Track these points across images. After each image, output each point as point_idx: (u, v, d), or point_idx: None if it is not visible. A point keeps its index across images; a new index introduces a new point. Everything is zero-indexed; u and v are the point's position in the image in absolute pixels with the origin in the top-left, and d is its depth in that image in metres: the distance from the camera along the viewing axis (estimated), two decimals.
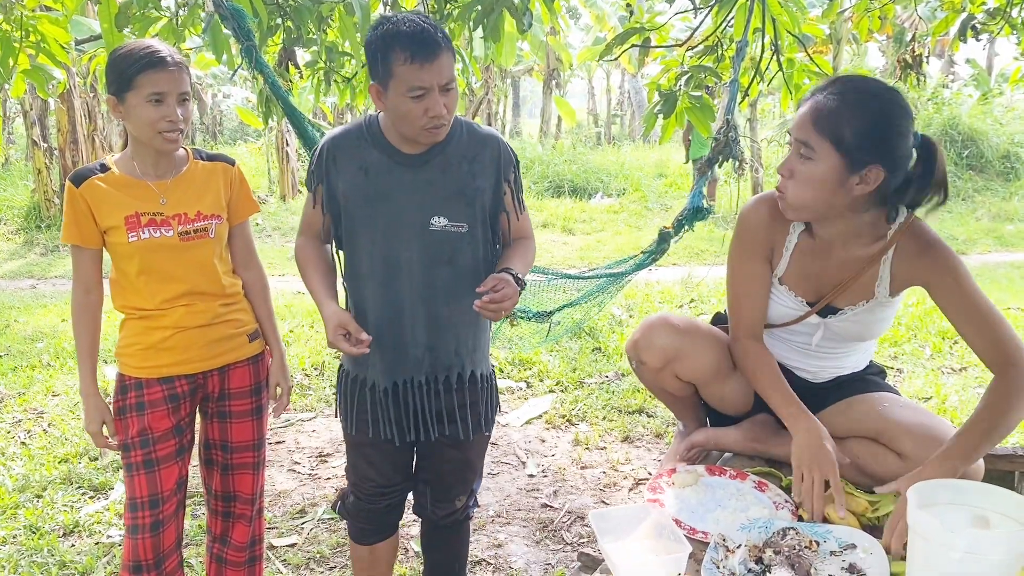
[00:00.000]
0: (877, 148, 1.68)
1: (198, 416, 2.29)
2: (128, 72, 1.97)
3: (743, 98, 3.74)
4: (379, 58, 1.84)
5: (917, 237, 1.81)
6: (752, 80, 3.75)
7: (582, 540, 3.12)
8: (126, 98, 1.99)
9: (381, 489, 2.22)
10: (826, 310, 1.95)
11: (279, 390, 2.34)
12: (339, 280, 2.14)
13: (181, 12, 3.14)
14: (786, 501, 1.85)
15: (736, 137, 3.48)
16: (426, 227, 1.98)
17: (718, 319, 2.30)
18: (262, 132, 16.56)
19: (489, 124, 20.51)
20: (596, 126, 26.67)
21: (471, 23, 3.82)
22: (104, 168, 2.12)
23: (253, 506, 2.35)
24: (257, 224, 11.41)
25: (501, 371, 5.13)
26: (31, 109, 11.16)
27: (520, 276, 1.95)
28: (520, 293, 1.93)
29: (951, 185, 1.80)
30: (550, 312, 4.11)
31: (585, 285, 4.24)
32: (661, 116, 3.84)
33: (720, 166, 3.59)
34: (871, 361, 2.16)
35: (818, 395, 2.05)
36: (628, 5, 3.93)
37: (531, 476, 3.70)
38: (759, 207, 1.97)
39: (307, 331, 6.02)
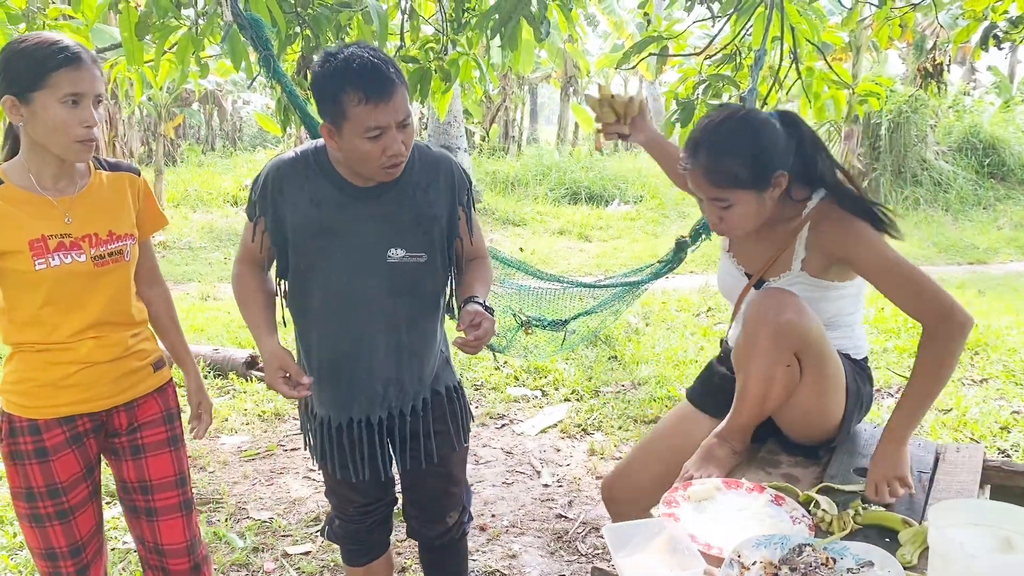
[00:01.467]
0: (768, 162, 1.87)
1: (106, 457, 2.05)
2: (39, 69, 1.70)
3: (761, 107, 3.72)
4: (330, 98, 1.74)
5: (828, 215, 1.95)
6: (771, 89, 3.73)
7: (597, 551, 3.10)
8: (33, 98, 1.71)
9: (364, 508, 2.18)
10: (759, 284, 2.09)
11: (200, 411, 2.14)
12: (280, 310, 2.05)
13: (200, 21, 3.17)
14: (803, 516, 1.82)
15: None
16: (383, 259, 1.91)
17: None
18: (281, 139, 16.67)
19: (507, 131, 20.54)
20: None
21: (489, 31, 3.83)
22: None
23: (190, 559, 2.07)
24: None
25: (516, 379, 5.12)
26: None
27: (488, 304, 1.89)
28: (495, 322, 1.88)
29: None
30: (566, 321, 4.10)
31: (601, 294, 4.22)
32: (679, 125, 3.83)
33: None
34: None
35: None
36: (646, 14, 3.92)
37: (546, 486, 3.68)
38: None
39: None
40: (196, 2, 3.19)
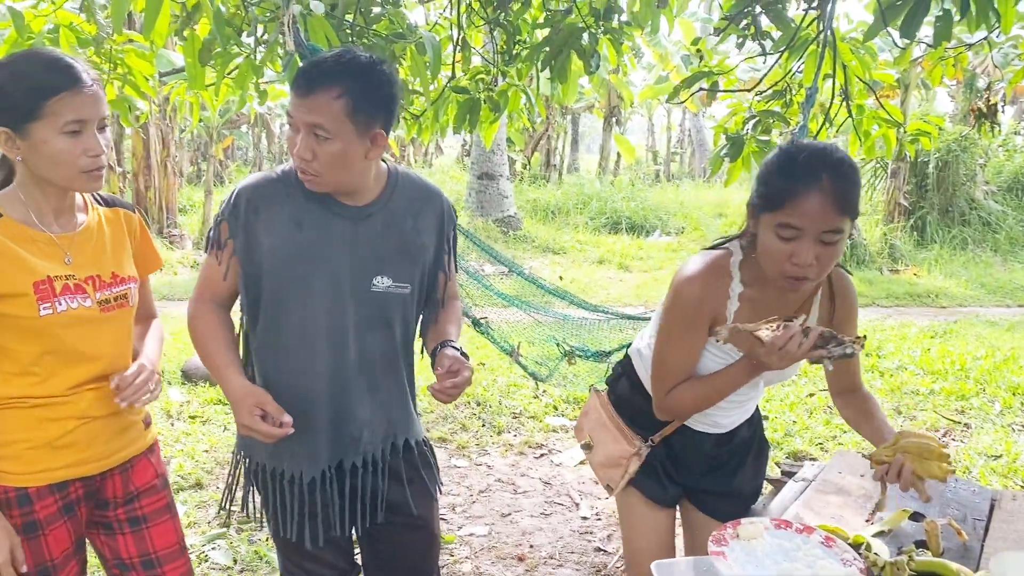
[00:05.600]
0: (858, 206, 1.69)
1: (92, 534, 1.82)
2: (34, 95, 1.49)
3: None
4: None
5: (840, 278, 1.89)
6: (821, 126, 3.71)
7: None
8: (30, 130, 1.51)
9: None
10: None
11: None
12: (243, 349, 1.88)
13: (261, 49, 3.25)
14: (855, 559, 1.79)
15: None
16: (367, 288, 1.77)
17: None
18: None
19: (548, 159, 20.64)
20: (655, 163, 26.61)
21: (539, 64, 3.88)
22: None
23: None
24: None
25: (555, 408, 5.11)
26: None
27: (464, 350, 1.81)
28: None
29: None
30: (608, 352, 4.09)
31: (643, 326, 4.20)
32: (728, 160, 3.83)
33: None
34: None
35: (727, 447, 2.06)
36: (699, 50, 3.94)
37: (584, 518, 3.66)
38: (692, 280, 1.82)
39: None
40: (257, 30, 3.28)
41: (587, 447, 2.14)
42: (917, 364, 6.11)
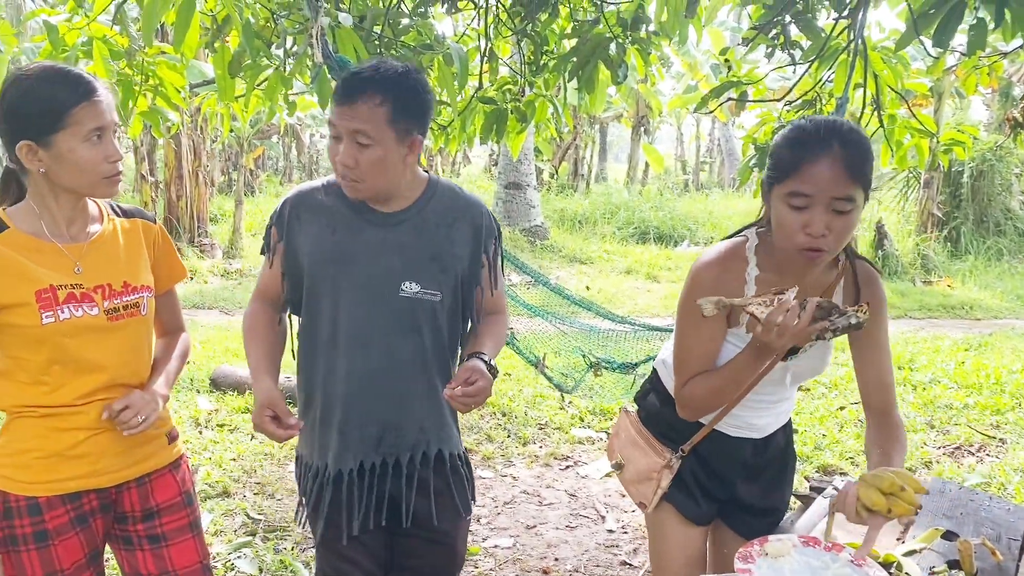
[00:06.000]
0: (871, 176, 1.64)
1: (113, 546, 1.83)
2: (56, 107, 1.55)
3: None
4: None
5: (865, 269, 1.82)
6: None
7: None
8: (53, 141, 1.55)
9: None
10: (787, 355, 1.82)
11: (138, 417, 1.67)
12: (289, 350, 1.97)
13: (290, 61, 3.27)
14: None
15: None
16: (395, 293, 1.82)
17: None
18: None
19: (576, 168, 20.63)
20: (684, 173, 26.49)
21: (566, 74, 3.87)
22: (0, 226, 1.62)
23: None
24: None
25: (581, 420, 5.08)
26: (141, 145, 11.75)
27: (493, 363, 1.81)
28: (493, 383, 1.77)
29: None
30: (635, 364, 4.07)
31: (670, 337, 4.17)
32: (757, 170, 3.79)
33: None
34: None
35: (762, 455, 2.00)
36: (727, 60, 3.91)
37: (610, 532, 3.63)
38: (709, 265, 1.83)
39: None
40: (286, 42, 3.31)
41: (618, 467, 2.11)
42: (951, 378, 6.00)
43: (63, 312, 1.60)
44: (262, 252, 1.95)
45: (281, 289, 1.92)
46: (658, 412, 2.03)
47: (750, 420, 1.95)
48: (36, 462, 1.63)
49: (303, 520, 2.00)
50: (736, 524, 2.04)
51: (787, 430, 2.06)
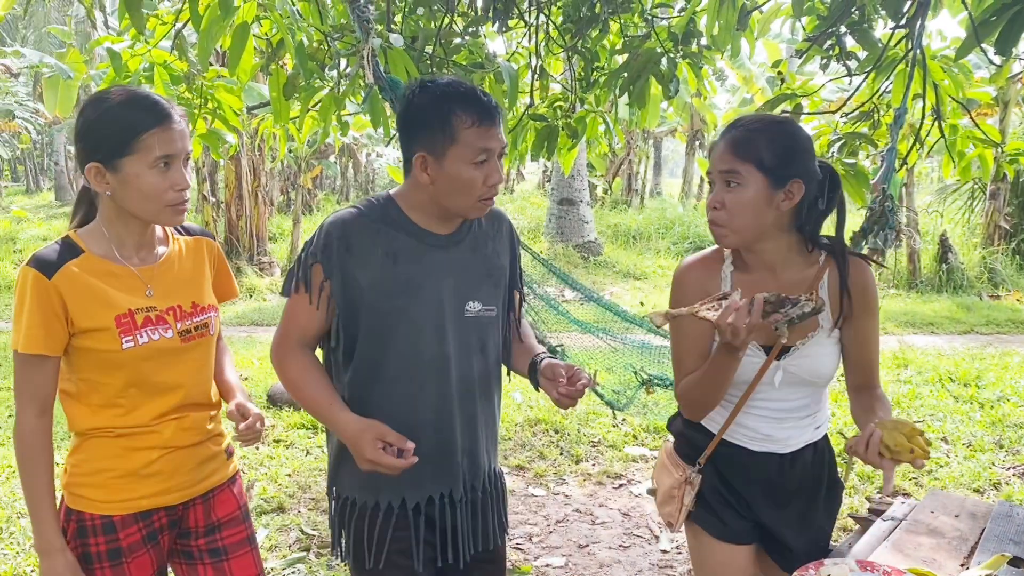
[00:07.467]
0: (793, 162, 1.76)
1: (173, 562, 1.84)
2: (128, 131, 1.54)
3: (901, 166, 3.57)
4: (437, 122, 1.64)
5: (857, 266, 1.85)
6: (911, 148, 3.57)
7: None
8: (121, 165, 1.55)
9: None
10: (779, 355, 1.85)
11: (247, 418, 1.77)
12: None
13: (343, 82, 3.33)
14: None
15: (892, 207, 3.31)
16: (461, 314, 1.79)
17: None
18: None
19: (630, 184, 20.54)
20: None
21: (617, 90, 3.86)
22: (74, 251, 1.61)
23: None
24: None
25: (635, 438, 5.02)
26: (203, 166, 12.08)
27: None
28: None
29: None
30: None
31: None
32: None
33: (875, 237, 3.42)
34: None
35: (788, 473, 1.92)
36: (780, 72, 3.85)
37: (664, 552, 3.57)
38: (690, 267, 1.96)
39: None
40: (339, 64, 3.36)
41: (651, 492, 2.12)
42: (1020, 395, 5.78)
43: (142, 336, 1.62)
44: (288, 292, 1.76)
45: (329, 328, 1.77)
46: (681, 433, 2.03)
47: (765, 431, 1.90)
48: (111, 481, 1.65)
49: (343, 554, 1.90)
50: (774, 551, 1.98)
51: (819, 449, 1.96)
